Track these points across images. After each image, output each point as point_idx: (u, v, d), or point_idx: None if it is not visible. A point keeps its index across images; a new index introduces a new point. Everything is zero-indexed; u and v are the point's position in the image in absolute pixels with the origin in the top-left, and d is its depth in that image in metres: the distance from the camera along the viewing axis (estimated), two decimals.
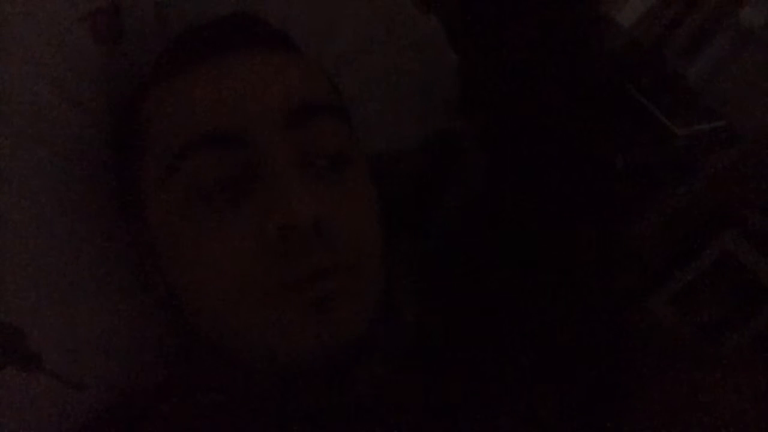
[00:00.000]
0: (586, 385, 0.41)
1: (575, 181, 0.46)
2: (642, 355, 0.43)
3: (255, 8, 0.49)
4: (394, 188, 0.52)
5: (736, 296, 0.95)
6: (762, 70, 1.11)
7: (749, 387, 0.38)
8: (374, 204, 0.43)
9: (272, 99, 0.39)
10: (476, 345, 0.43)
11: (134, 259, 0.46)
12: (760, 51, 1.11)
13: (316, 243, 0.37)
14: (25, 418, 0.42)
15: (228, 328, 0.39)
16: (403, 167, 0.55)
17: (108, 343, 0.46)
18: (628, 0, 1.15)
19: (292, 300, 0.37)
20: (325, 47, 0.61)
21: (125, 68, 0.50)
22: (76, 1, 0.48)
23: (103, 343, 0.46)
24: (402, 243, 0.47)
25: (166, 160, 0.39)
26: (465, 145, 0.52)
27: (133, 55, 0.51)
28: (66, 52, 0.47)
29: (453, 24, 0.76)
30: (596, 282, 0.44)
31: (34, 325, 0.43)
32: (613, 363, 0.42)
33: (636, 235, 1.25)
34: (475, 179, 0.52)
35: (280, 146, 0.38)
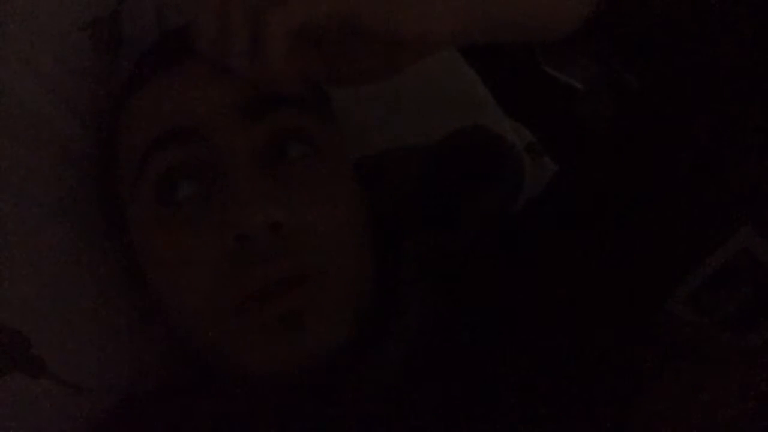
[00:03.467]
0: (591, 387, 0.40)
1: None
2: (649, 355, 0.42)
3: None
4: (406, 184, 0.51)
5: (753, 294, 0.93)
6: None
7: (750, 387, 0.37)
8: (353, 202, 0.41)
9: (226, 92, 0.38)
10: (485, 349, 0.42)
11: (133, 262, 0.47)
12: None
13: (276, 249, 0.35)
14: (30, 422, 0.43)
15: (202, 343, 0.40)
16: (417, 163, 0.54)
17: (111, 346, 0.46)
18: None
19: (257, 315, 0.36)
20: None
21: (125, 77, 0.51)
22: (76, 10, 0.49)
23: (107, 347, 0.46)
24: (413, 241, 0.46)
25: (133, 168, 0.39)
26: (506, 148, 0.50)
27: (132, 63, 0.52)
28: (66, 61, 0.48)
29: None
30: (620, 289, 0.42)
31: (37, 329, 0.43)
32: (624, 366, 0.41)
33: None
34: (519, 185, 0.49)
35: (237, 142, 0.37)
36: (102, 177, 0.47)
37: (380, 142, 0.56)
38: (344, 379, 0.39)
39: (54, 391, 0.43)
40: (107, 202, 0.46)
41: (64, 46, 0.48)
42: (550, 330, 0.42)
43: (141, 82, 0.42)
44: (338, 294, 0.38)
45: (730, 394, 0.37)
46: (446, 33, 0.35)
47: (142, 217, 0.40)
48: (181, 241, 0.37)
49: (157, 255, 0.39)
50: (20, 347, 0.43)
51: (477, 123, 0.53)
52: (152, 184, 0.38)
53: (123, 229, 0.44)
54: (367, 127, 0.57)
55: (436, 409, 0.40)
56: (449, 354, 0.42)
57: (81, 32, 0.49)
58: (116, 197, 0.44)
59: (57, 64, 0.48)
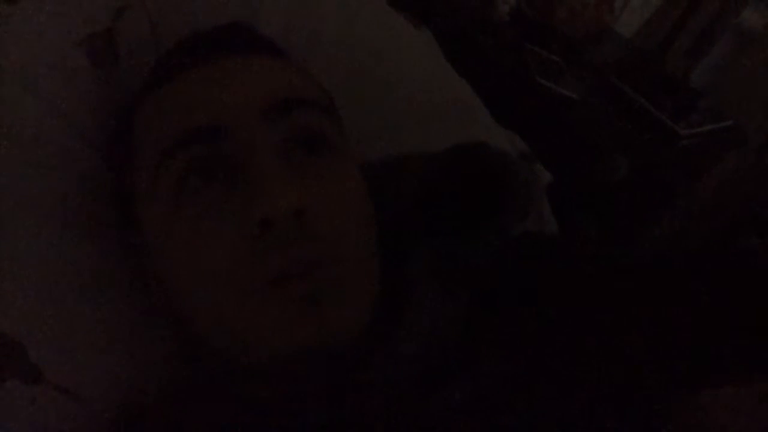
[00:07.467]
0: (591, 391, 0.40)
1: None
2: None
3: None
4: (406, 191, 0.53)
5: None
6: (763, 71, 1.10)
7: (751, 389, 0.37)
8: (364, 198, 0.43)
9: (251, 94, 0.41)
10: (492, 354, 0.42)
11: (135, 268, 0.47)
12: (762, 51, 1.10)
13: (298, 234, 0.37)
14: (28, 430, 0.43)
15: (220, 328, 0.40)
16: (417, 171, 0.55)
17: (108, 353, 0.46)
18: (625, 9, 1.16)
19: (277, 296, 0.37)
20: (331, 57, 0.63)
21: (121, 90, 0.52)
22: (73, 25, 0.50)
23: (104, 354, 0.46)
24: (424, 243, 0.47)
25: (154, 163, 0.40)
26: (515, 167, 0.51)
27: (129, 77, 0.53)
28: (64, 76, 0.49)
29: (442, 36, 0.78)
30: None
31: (34, 337, 0.43)
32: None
33: (650, 239, 1.23)
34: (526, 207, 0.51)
35: (260, 137, 0.39)
36: (114, 174, 0.48)
37: (378, 150, 0.57)
38: (352, 377, 0.39)
39: (52, 399, 0.43)
40: (116, 200, 0.47)
41: (61, 60, 0.49)
42: (550, 333, 0.42)
43: (161, 81, 0.44)
44: (354, 278, 0.39)
45: (730, 398, 0.37)
46: None
47: (160, 209, 0.41)
48: (202, 228, 0.39)
49: (176, 244, 0.40)
50: (16, 355, 0.43)
51: (479, 141, 0.54)
52: (174, 178, 0.39)
53: (132, 226, 0.44)
54: (365, 135, 0.58)
55: (442, 407, 0.39)
56: (456, 351, 0.42)
57: (78, 47, 0.50)
58: (126, 195, 0.44)
59: (55, 79, 0.49)
